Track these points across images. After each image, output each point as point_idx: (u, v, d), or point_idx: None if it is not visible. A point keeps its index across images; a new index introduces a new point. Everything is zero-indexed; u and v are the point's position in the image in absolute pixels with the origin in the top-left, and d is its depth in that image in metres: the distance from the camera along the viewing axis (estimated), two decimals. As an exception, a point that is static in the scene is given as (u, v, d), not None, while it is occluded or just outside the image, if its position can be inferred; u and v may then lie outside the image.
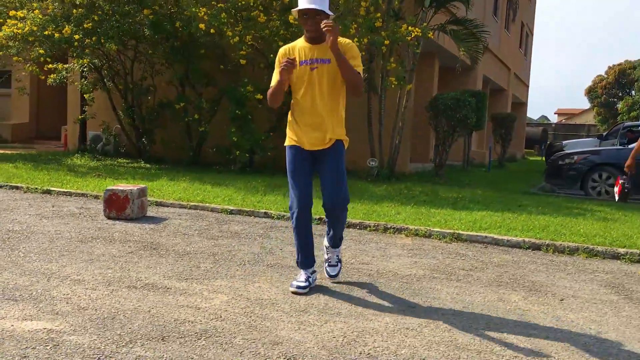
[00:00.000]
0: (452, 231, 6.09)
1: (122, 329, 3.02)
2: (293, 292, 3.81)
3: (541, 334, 3.30)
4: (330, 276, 4.21)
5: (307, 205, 3.88)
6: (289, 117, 3.98)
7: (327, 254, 4.25)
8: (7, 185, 8.06)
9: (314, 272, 4.02)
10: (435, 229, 6.15)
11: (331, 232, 4.08)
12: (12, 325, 2.99)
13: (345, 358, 2.81)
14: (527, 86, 33.16)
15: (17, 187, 7.98)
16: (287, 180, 3.96)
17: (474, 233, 6.05)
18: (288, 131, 3.98)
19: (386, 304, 3.73)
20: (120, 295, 3.59)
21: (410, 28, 9.60)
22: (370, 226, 6.34)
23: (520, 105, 32.05)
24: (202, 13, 9.93)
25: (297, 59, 3.79)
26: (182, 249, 4.99)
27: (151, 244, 5.08)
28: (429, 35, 9.91)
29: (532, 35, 33.47)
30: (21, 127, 18.48)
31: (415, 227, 6.22)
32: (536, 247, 5.75)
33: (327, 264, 4.26)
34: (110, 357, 2.67)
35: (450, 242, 5.92)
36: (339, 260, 4.26)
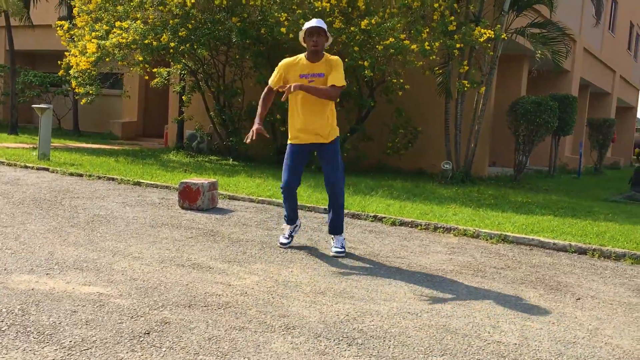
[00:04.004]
0: (500, 232, 6.23)
1: (159, 297, 3.57)
2: (279, 246, 5.12)
3: (534, 325, 3.50)
4: (335, 252, 5.02)
5: (293, 182, 5.01)
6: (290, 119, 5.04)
7: (333, 241, 5.13)
8: (105, 177, 9.04)
9: (297, 226, 5.29)
10: (483, 230, 6.32)
11: (330, 214, 5.05)
12: (73, 288, 3.63)
13: (338, 332, 3.19)
14: (638, 89, 31.35)
15: (113, 179, 8.94)
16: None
17: (522, 235, 6.16)
18: (289, 131, 5.05)
19: (400, 291, 4.05)
20: (167, 271, 4.17)
21: (483, 31, 9.68)
22: (420, 225, 6.61)
23: (628, 109, 30.38)
24: (283, 18, 10.56)
25: (298, 72, 4.85)
26: (237, 237, 5.54)
27: (211, 232, 5.68)
28: (503, 37, 9.92)
29: (645, 35, 31.55)
30: (130, 125, 20.16)
31: (465, 228, 6.41)
32: (582, 252, 5.78)
33: (332, 248, 5.12)
34: (141, 316, 3.22)
35: (496, 243, 6.07)
36: (343, 246, 5.06)
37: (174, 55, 12.06)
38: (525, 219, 7.32)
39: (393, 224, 6.73)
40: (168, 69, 14.34)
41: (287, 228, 5.26)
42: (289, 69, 4.90)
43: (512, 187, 11.47)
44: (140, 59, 11.92)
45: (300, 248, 5.23)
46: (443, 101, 11.81)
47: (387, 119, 12.70)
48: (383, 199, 8.26)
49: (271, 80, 4.96)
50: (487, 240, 6.17)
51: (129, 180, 8.70)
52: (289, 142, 5.05)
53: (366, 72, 10.40)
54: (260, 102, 5.00)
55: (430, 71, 11.04)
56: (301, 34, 4.81)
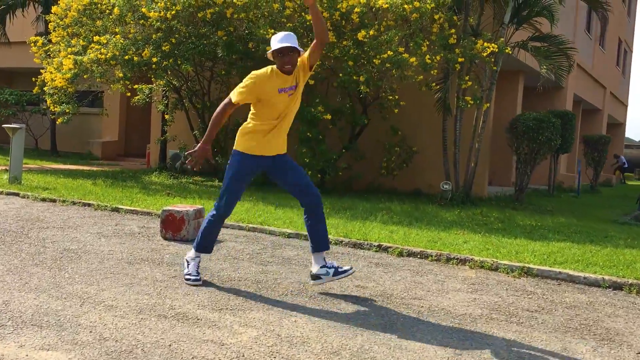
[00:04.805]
0: (521, 264, 5.57)
1: (134, 365, 2.85)
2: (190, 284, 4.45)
3: (606, 398, 2.83)
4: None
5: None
6: (252, 129, 4.30)
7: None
8: (80, 202, 8.27)
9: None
10: (503, 262, 5.66)
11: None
12: (27, 355, 2.90)
13: (366, 415, 2.49)
14: (626, 106, 31.18)
15: (89, 204, 8.17)
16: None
17: (547, 268, 5.51)
18: (249, 141, 4.29)
19: (430, 348, 3.36)
20: (146, 326, 3.44)
21: (485, 44, 9.12)
22: (431, 256, 5.93)
23: (617, 126, 30.18)
24: (271, 34, 9.92)
25: (276, 87, 4.18)
26: (227, 274, 4.83)
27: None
28: (507, 51, 9.38)
29: (631, 51, 31.50)
30: (111, 145, 19.34)
31: (481, 259, 5.75)
32: (617, 287, 5.14)
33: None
34: (111, 398, 2.50)
35: (519, 277, 5.41)
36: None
37: (156, 71, 11.35)
38: (542, 246, 6.69)
39: (400, 254, 6.06)
40: (150, 86, 13.63)
41: (195, 260, 4.62)
42: (263, 85, 4.17)
43: (515, 208, 10.86)
44: (121, 75, 11.19)
45: (300, 288, 4.53)
46: (439, 118, 11.22)
47: (381, 137, 12.08)
48: (384, 225, 7.59)
49: (236, 97, 4.17)
50: (507, 273, 5.51)
51: (106, 206, 7.95)
52: (248, 152, 4.39)
53: (362, 87, 9.78)
54: (214, 119, 4.20)
55: (426, 87, 10.46)
56: (269, 53, 4.19)
